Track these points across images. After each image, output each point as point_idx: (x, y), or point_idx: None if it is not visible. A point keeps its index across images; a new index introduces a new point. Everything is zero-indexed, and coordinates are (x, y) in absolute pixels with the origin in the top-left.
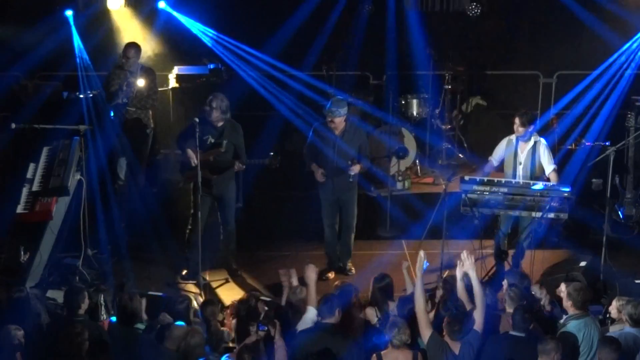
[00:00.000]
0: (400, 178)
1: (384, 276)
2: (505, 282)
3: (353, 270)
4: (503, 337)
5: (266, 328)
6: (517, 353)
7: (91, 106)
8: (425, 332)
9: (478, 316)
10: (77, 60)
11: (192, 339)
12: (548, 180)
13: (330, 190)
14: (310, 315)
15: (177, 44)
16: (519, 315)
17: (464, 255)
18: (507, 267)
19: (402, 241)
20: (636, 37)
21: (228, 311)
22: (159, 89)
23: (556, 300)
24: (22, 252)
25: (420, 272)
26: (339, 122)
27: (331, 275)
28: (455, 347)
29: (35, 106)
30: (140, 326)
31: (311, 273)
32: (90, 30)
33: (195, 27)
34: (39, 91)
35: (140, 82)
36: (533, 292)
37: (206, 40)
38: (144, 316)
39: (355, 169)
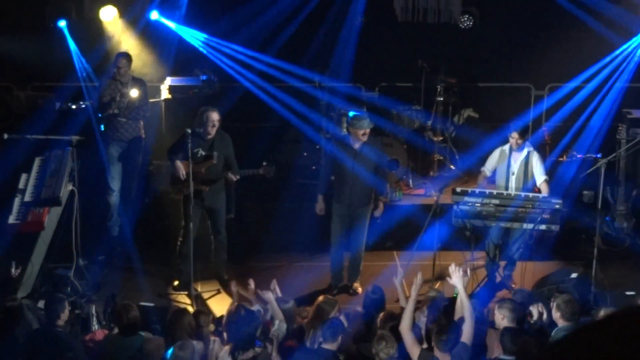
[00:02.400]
0: (391, 189)
1: (377, 289)
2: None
3: (359, 290)
4: None
5: (263, 345)
6: None
7: (91, 116)
8: (414, 350)
9: (467, 328)
10: (78, 70)
11: (181, 351)
12: (539, 191)
13: (346, 205)
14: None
15: (170, 55)
16: (507, 338)
17: (452, 267)
18: (498, 278)
19: (393, 252)
20: (624, 48)
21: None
22: (151, 100)
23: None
24: (14, 267)
25: (416, 292)
26: (367, 132)
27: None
28: None
29: (28, 117)
30: (143, 334)
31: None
32: (82, 41)
33: (188, 34)
34: (32, 102)
35: (134, 93)
36: (531, 309)
37: (198, 45)
38: None
39: (379, 212)
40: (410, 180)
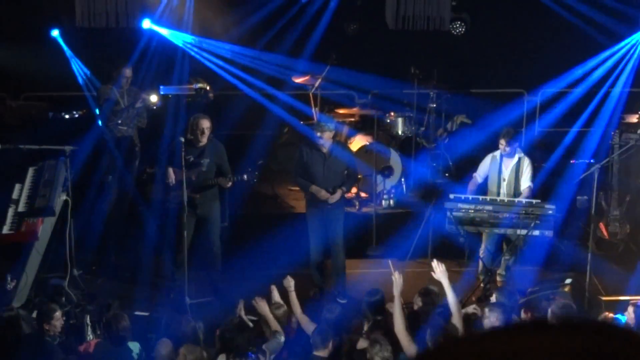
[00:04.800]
0: (385, 196)
1: (377, 291)
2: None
3: (344, 299)
4: None
5: (256, 356)
6: None
7: (99, 123)
8: (412, 350)
9: (457, 323)
10: (80, 78)
11: (190, 355)
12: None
13: (318, 209)
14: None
15: (163, 63)
16: None
17: (434, 263)
18: (492, 285)
19: (388, 260)
20: (618, 48)
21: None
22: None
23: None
24: (9, 279)
25: (398, 292)
26: (328, 137)
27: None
28: None
29: (21, 127)
30: (132, 345)
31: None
32: (76, 50)
33: (180, 38)
34: (24, 112)
35: (153, 98)
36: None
37: (191, 50)
38: None
39: (334, 198)
40: (404, 186)
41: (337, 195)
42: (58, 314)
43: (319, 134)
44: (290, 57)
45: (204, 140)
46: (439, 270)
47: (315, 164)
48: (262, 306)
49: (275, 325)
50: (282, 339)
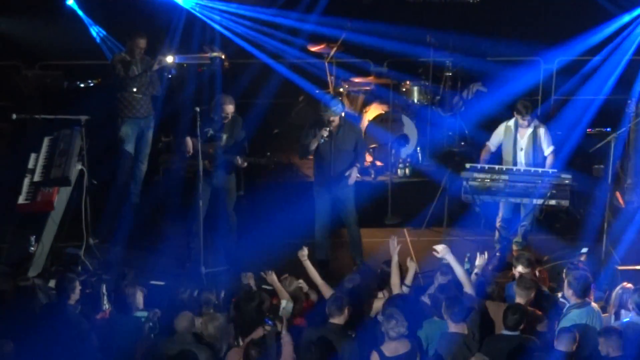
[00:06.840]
0: (401, 165)
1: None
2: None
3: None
4: (497, 337)
5: (273, 323)
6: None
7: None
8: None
9: (469, 291)
10: (100, 43)
11: (211, 323)
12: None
13: (326, 186)
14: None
15: (178, 32)
16: (509, 316)
17: (436, 246)
18: (508, 253)
19: (404, 229)
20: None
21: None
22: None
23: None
24: (33, 242)
25: (395, 253)
26: (337, 119)
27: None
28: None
29: (36, 96)
30: (141, 314)
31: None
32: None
33: (191, 2)
34: (40, 81)
35: (169, 59)
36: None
37: (202, 15)
38: (140, 305)
39: (353, 178)
40: (420, 155)
41: (354, 173)
42: (77, 282)
43: (331, 118)
44: (303, 21)
45: (225, 120)
46: (440, 250)
47: (323, 142)
48: (271, 277)
49: (283, 294)
50: (288, 304)
